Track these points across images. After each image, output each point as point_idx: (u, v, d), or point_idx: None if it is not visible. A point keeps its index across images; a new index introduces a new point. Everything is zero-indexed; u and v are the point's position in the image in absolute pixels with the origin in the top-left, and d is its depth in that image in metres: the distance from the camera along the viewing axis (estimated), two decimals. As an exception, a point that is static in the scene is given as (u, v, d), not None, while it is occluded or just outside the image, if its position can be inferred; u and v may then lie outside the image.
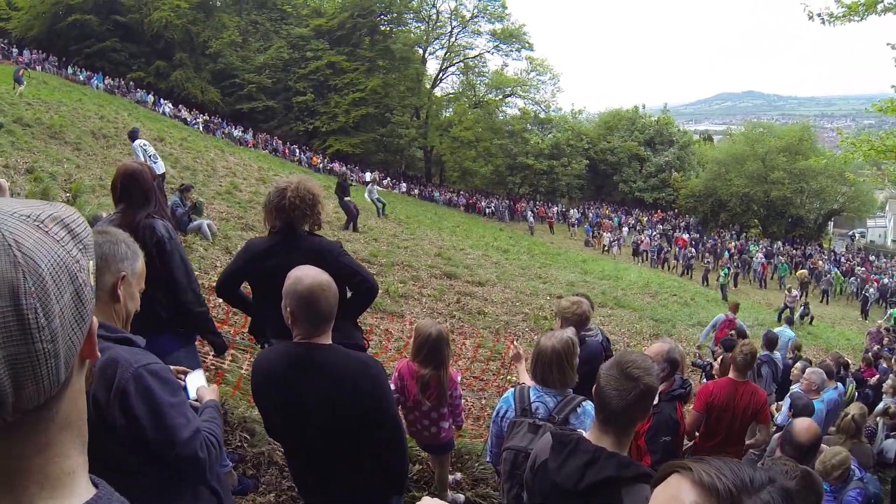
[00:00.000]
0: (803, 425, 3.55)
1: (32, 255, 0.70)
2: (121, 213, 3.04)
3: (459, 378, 3.78)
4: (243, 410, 4.32)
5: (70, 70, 35.32)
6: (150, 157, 11.45)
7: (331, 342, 2.26)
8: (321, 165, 38.22)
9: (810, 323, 19.78)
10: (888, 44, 9.19)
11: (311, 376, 2.20)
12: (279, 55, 43.66)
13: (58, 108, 18.14)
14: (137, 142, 11.88)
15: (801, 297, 21.00)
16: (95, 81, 34.33)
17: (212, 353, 4.63)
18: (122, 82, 37.06)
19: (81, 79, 33.73)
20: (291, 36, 44.31)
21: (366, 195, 20.45)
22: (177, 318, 3.06)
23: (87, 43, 39.10)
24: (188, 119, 34.69)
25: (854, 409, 5.29)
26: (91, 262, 0.80)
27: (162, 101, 36.17)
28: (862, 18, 8.99)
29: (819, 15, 9.41)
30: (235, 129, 38.21)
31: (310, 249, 3.18)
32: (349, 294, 3.30)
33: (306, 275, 2.20)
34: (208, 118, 37.26)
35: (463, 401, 4.25)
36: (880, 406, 8.02)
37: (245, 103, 42.95)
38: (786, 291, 19.89)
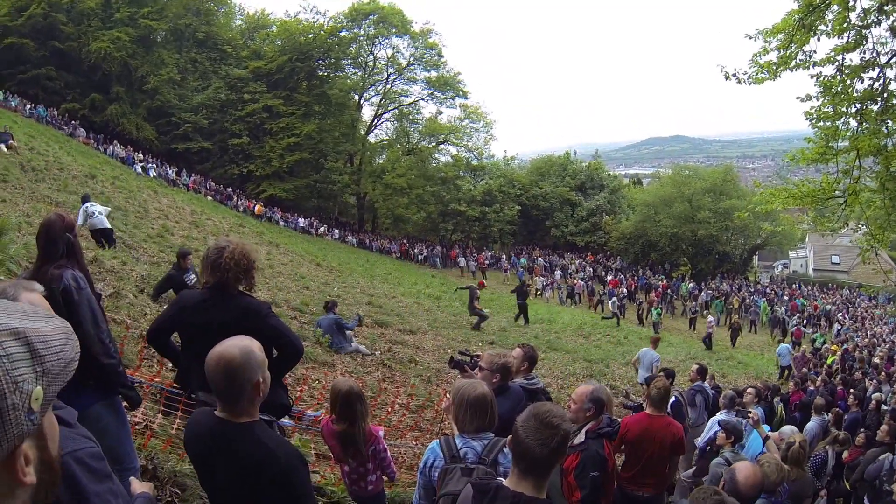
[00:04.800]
0: (748, 472, 3.39)
1: None
2: (34, 267, 3.10)
3: (382, 432, 3.89)
4: (173, 465, 4.24)
5: (1, 95, 33.22)
6: (89, 214, 11.12)
7: (253, 418, 2.21)
8: (263, 213, 36.56)
9: None
10: (797, 97, 9.78)
11: (224, 458, 2.17)
12: (217, 95, 42.93)
13: (-16, 135, 17.27)
14: (85, 205, 11.40)
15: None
16: (39, 112, 33.01)
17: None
18: (56, 113, 35.58)
19: (13, 105, 31.99)
20: (230, 77, 43.75)
21: (611, 304, 26.13)
22: (87, 372, 2.93)
23: (22, 68, 37.56)
24: (124, 157, 33.49)
25: (798, 437, 5.43)
26: (40, 388, 0.77)
27: (114, 143, 34.90)
28: (775, 77, 9.35)
29: (734, 75, 9.90)
30: (170, 169, 37.04)
31: (238, 308, 3.27)
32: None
33: (233, 356, 2.10)
34: (143, 157, 35.90)
35: (397, 450, 4.30)
36: (812, 424, 8.25)
37: (180, 143, 41.77)
38: (707, 320, 20.84)
